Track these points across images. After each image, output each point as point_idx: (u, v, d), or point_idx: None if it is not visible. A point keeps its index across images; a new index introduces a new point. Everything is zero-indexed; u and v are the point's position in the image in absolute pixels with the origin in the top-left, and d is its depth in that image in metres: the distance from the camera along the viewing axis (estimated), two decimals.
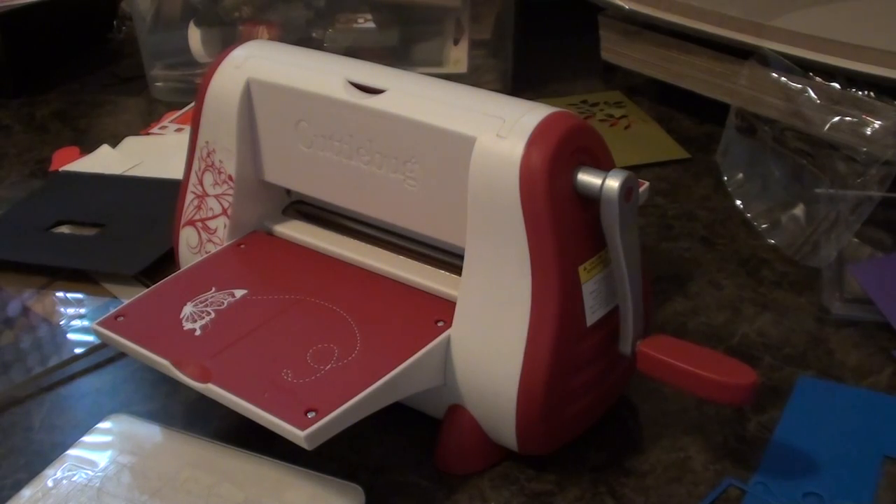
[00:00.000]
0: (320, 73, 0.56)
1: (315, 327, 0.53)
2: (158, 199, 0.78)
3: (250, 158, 0.60)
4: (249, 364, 0.50)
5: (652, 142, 0.90)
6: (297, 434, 0.45)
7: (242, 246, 0.60)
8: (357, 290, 0.55)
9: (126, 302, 0.56)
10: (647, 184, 0.69)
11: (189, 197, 0.62)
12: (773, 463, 0.53)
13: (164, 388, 0.59)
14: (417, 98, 0.52)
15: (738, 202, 0.77)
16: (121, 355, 0.62)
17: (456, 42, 0.98)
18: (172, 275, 0.58)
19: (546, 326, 0.48)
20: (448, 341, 0.51)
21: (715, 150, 0.83)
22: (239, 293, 0.56)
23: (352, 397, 0.47)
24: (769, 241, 0.73)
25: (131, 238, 0.74)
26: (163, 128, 0.95)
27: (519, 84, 1.01)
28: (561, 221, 0.47)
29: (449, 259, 0.55)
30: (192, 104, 0.94)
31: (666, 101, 0.97)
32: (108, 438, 0.53)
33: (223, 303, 0.55)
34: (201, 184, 0.61)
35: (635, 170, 0.65)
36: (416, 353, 0.50)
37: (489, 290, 0.49)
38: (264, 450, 0.52)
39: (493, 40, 0.99)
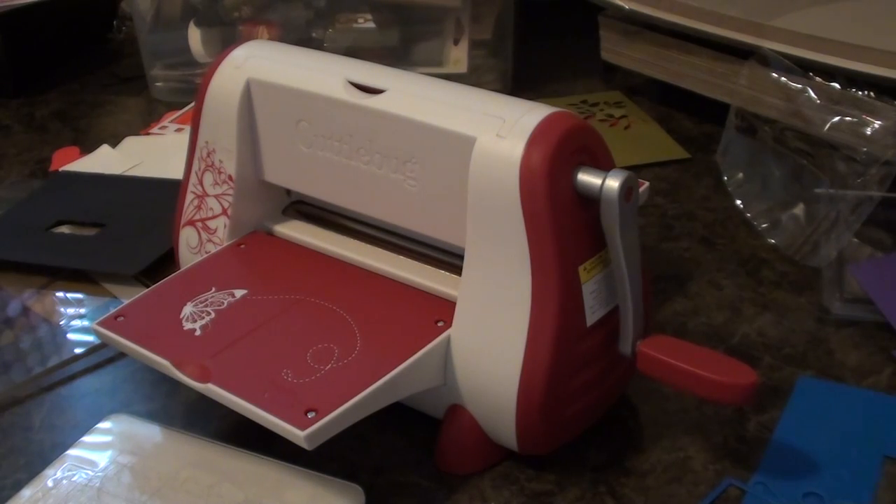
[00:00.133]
0: (320, 73, 0.56)
1: (315, 327, 0.53)
2: (158, 199, 0.78)
3: (250, 158, 0.60)
4: (249, 364, 0.50)
5: (652, 142, 0.90)
6: (297, 434, 0.45)
7: (242, 246, 0.60)
8: (357, 290, 0.55)
9: (126, 302, 0.56)
10: (647, 184, 0.69)
11: (189, 197, 0.62)
12: (773, 463, 0.53)
13: (164, 388, 0.59)
14: (417, 98, 0.52)
15: (738, 202, 0.77)
16: (121, 355, 0.62)
17: (456, 42, 0.98)
18: (172, 275, 0.58)
19: (546, 326, 0.48)
20: (448, 341, 0.51)
21: (715, 150, 0.83)
22: (239, 293, 0.56)
23: (352, 397, 0.47)
24: (769, 240, 0.73)
25: (131, 238, 0.74)
26: (163, 128, 0.95)
27: (519, 84, 1.01)
28: (561, 221, 0.47)
29: (449, 259, 0.55)
30: (192, 104, 0.94)
31: (666, 101, 0.97)
32: (108, 438, 0.53)
33: (223, 303, 0.55)
34: (201, 184, 0.61)
35: (635, 170, 0.65)
36: (416, 353, 0.50)
37: (489, 290, 0.49)
38: (264, 450, 0.52)
39: (493, 40, 0.99)
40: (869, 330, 0.63)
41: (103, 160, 0.88)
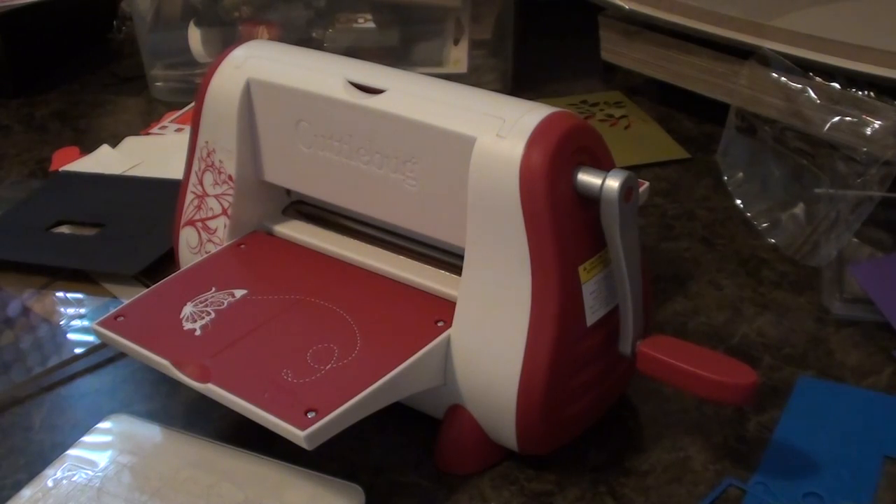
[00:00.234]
0: (320, 73, 0.56)
1: (315, 327, 0.53)
2: (158, 199, 0.78)
3: (250, 158, 0.60)
4: (249, 364, 0.50)
5: (652, 142, 0.90)
6: (297, 434, 0.45)
7: (242, 246, 0.60)
8: (357, 290, 0.55)
9: (126, 302, 0.56)
10: (647, 184, 0.69)
11: (189, 197, 0.62)
12: (773, 463, 0.53)
13: (164, 388, 0.59)
14: (417, 98, 0.52)
15: (738, 202, 0.77)
16: (121, 355, 0.62)
17: (456, 42, 0.98)
18: (172, 275, 0.58)
19: (546, 326, 0.48)
20: (448, 341, 0.51)
21: (715, 150, 0.83)
22: (239, 293, 0.56)
23: (352, 397, 0.47)
24: (769, 240, 0.73)
25: (131, 238, 0.74)
26: (163, 128, 0.95)
27: (519, 84, 1.01)
28: (561, 221, 0.47)
29: (449, 259, 0.55)
30: (192, 104, 0.94)
31: (666, 101, 0.97)
32: (108, 438, 0.53)
33: (223, 303, 0.55)
34: (201, 184, 0.61)
35: (635, 170, 0.65)
36: (416, 353, 0.50)
37: (489, 290, 0.49)
38: (264, 450, 0.52)
39: (493, 40, 0.99)
40: (869, 330, 0.64)
41: (103, 160, 0.88)
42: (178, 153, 0.84)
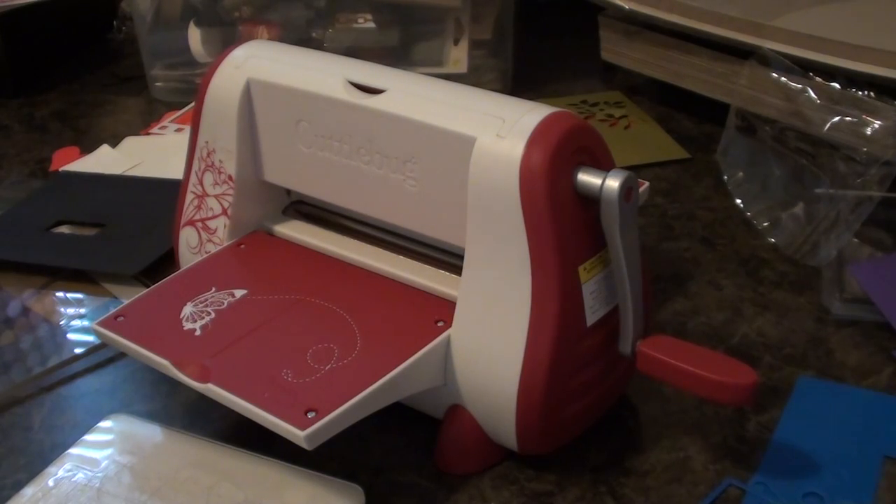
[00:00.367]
0: (320, 73, 0.56)
1: (315, 327, 0.53)
2: (158, 199, 0.78)
3: (250, 158, 0.60)
4: (249, 364, 0.50)
5: (652, 142, 0.90)
6: (297, 434, 0.45)
7: (242, 246, 0.60)
8: (357, 290, 0.55)
9: (126, 302, 0.56)
10: (647, 184, 0.69)
11: (189, 197, 0.62)
12: (773, 463, 0.53)
13: (164, 388, 0.59)
14: (417, 98, 0.52)
15: (738, 202, 0.77)
16: (121, 355, 0.62)
17: (456, 42, 0.98)
18: (172, 275, 0.58)
19: (546, 326, 0.48)
20: (448, 341, 0.51)
21: (715, 150, 0.83)
22: (239, 293, 0.56)
23: (352, 397, 0.47)
24: (769, 240, 0.73)
25: (131, 238, 0.74)
26: (163, 128, 0.95)
27: (519, 84, 1.01)
28: (561, 221, 0.47)
29: (449, 259, 0.55)
30: (192, 104, 0.94)
31: (666, 101, 0.97)
32: (108, 438, 0.53)
33: (223, 303, 0.55)
34: (201, 184, 0.61)
35: (635, 170, 0.65)
36: (416, 353, 0.50)
37: (489, 290, 0.49)
38: (264, 450, 0.52)
39: (493, 40, 0.99)
40: (869, 330, 0.64)
41: (103, 160, 0.88)
42: (178, 153, 0.84)
